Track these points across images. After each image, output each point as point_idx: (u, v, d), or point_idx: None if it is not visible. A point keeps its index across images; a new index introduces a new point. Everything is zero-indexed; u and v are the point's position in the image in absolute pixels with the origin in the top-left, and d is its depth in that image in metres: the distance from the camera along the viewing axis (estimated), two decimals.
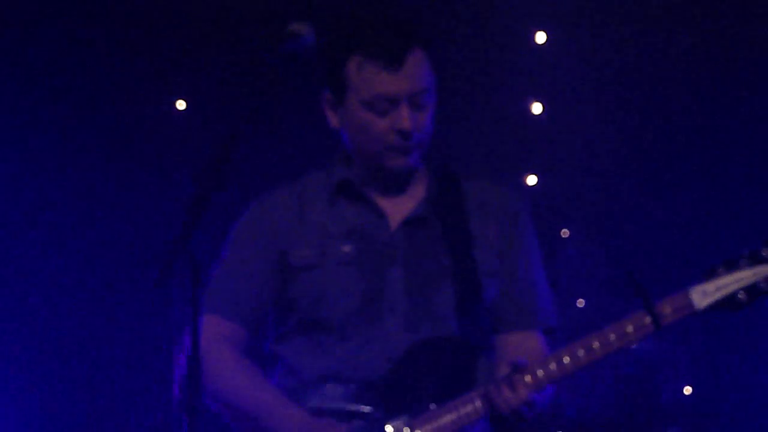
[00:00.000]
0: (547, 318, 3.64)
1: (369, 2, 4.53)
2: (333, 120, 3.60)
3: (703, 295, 3.41)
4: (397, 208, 3.60)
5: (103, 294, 5.84)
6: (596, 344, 3.40)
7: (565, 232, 6.15)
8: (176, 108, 5.99)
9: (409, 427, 3.42)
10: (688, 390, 6.07)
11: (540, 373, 3.40)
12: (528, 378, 3.38)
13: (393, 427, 3.41)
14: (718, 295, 3.41)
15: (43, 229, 5.85)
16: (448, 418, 3.42)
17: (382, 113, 3.49)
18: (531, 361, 3.40)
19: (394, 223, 3.59)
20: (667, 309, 3.40)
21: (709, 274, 3.43)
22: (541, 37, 5.99)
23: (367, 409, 3.46)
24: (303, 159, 3.93)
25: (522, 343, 3.58)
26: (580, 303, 6.07)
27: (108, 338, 5.84)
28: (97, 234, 5.86)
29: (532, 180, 6.09)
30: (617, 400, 6.07)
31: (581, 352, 3.40)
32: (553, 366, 3.40)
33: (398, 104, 3.48)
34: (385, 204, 3.60)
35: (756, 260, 3.41)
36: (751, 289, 3.40)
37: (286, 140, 5.72)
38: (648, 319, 3.39)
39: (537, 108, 6.04)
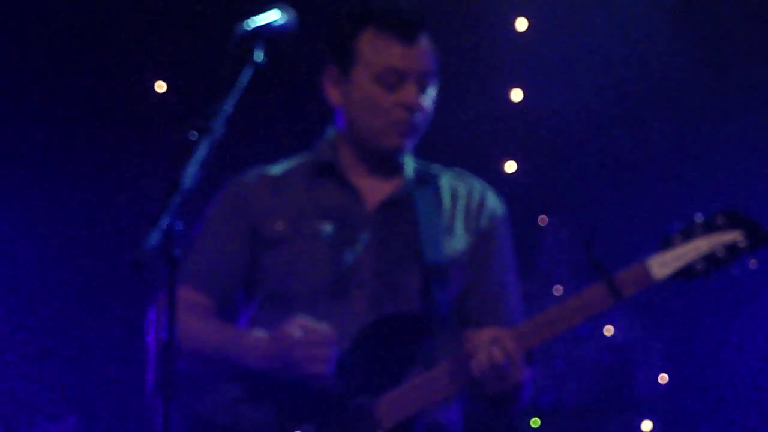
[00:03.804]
0: (515, 318, 3.64)
1: None
2: (334, 96, 3.62)
3: (662, 265, 3.40)
4: (376, 191, 3.63)
5: (78, 277, 5.83)
6: (557, 319, 3.40)
7: (543, 219, 6.16)
8: (155, 90, 5.98)
9: (375, 403, 3.42)
10: (663, 378, 6.09)
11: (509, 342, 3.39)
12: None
13: (358, 404, 3.43)
14: (676, 265, 3.40)
15: (20, 213, 5.83)
16: (416, 391, 3.42)
17: (390, 88, 3.53)
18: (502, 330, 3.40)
19: (371, 205, 3.61)
20: (626, 281, 3.39)
21: (666, 244, 3.42)
22: (522, 24, 5.99)
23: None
24: (278, 146, 3.93)
25: None
26: (558, 290, 6.09)
27: (82, 321, 5.83)
28: (74, 216, 5.85)
29: (511, 167, 6.10)
30: (592, 388, 6.09)
31: (543, 328, 3.40)
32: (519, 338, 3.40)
33: (406, 80, 3.53)
34: (365, 185, 3.63)
35: (711, 228, 3.41)
36: (710, 258, 3.40)
37: (263, 127, 5.70)
38: (608, 293, 3.40)
39: (517, 95, 6.04)
